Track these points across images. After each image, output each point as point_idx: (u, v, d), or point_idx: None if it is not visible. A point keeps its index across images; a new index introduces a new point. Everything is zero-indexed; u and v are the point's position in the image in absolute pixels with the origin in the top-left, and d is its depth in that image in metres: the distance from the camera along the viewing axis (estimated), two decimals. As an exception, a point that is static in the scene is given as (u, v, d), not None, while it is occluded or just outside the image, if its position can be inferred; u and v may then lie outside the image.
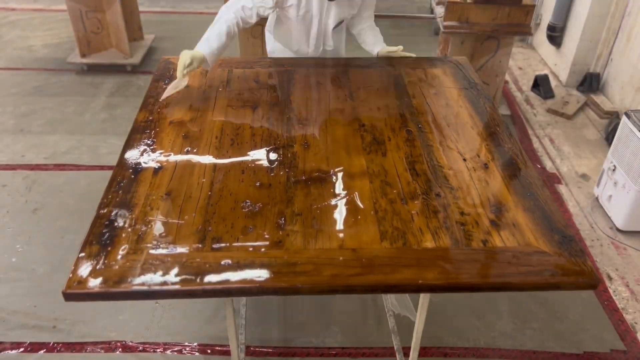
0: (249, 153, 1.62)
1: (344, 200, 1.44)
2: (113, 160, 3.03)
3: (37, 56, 4.24)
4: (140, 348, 2.06)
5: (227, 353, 2.05)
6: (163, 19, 4.99)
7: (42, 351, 2.03)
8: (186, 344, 2.08)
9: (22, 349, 2.04)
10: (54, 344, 2.07)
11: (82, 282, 1.19)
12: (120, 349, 2.05)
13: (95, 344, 2.07)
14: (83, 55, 4.00)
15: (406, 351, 2.04)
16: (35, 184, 2.88)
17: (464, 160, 1.62)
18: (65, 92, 3.77)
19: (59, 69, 4.07)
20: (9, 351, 2.04)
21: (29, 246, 2.50)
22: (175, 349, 2.06)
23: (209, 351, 2.05)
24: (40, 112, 3.52)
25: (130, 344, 2.07)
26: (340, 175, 1.54)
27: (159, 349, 2.06)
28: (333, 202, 1.44)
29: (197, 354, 2.05)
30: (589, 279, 1.25)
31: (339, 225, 1.36)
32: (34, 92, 3.75)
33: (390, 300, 2.09)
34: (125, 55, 4.03)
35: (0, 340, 2.07)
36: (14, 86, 3.83)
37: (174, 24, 4.90)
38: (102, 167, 3.03)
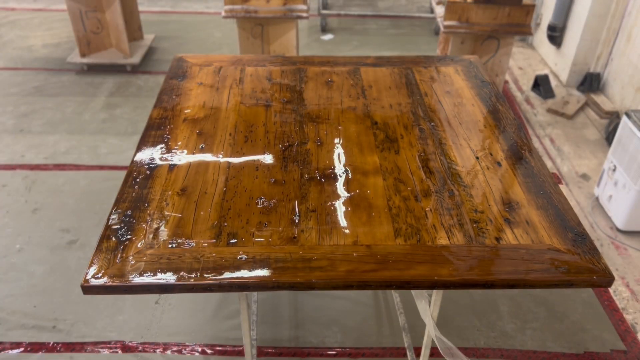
0: (262, 150, 1.64)
1: (358, 198, 1.46)
2: (113, 160, 3.07)
3: (36, 56, 4.25)
4: (140, 348, 2.06)
5: (227, 353, 2.05)
6: (163, 19, 4.99)
7: (42, 351, 2.03)
8: (186, 344, 2.08)
9: (21, 349, 2.04)
10: (53, 344, 2.07)
11: (100, 275, 1.22)
12: (120, 349, 2.05)
13: (95, 344, 2.07)
14: (83, 55, 4.00)
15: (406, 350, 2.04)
16: (35, 184, 2.88)
17: (477, 158, 1.63)
18: (65, 92, 3.77)
19: (58, 68, 4.07)
20: (9, 351, 2.04)
21: (29, 246, 2.50)
22: (175, 349, 2.06)
23: (209, 351, 2.06)
24: (40, 112, 3.52)
25: (130, 344, 2.07)
26: (353, 172, 1.55)
27: (159, 349, 2.06)
28: (347, 199, 1.45)
29: (197, 354, 2.05)
30: (602, 277, 1.26)
31: (353, 222, 1.38)
32: (33, 92, 3.75)
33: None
34: (125, 55, 4.03)
35: (0, 340, 2.07)
36: (14, 86, 3.83)
37: (174, 23, 4.90)
38: (102, 167, 3.03)
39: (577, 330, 2.17)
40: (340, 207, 1.43)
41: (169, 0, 5.40)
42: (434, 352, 2.06)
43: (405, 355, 2.04)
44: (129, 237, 1.32)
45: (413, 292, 1.60)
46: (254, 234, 1.34)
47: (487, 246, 1.32)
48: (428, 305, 1.55)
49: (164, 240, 1.31)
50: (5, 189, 2.85)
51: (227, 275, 1.23)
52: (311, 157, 1.61)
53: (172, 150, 1.63)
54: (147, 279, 1.22)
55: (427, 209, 1.43)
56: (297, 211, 1.41)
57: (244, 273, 1.23)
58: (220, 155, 1.62)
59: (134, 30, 4.26)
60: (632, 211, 2.55)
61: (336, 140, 1.70)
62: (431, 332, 1.55)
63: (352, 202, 1.44)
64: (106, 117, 3.49)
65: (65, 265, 2.40)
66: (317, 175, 1.54)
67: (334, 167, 1.57)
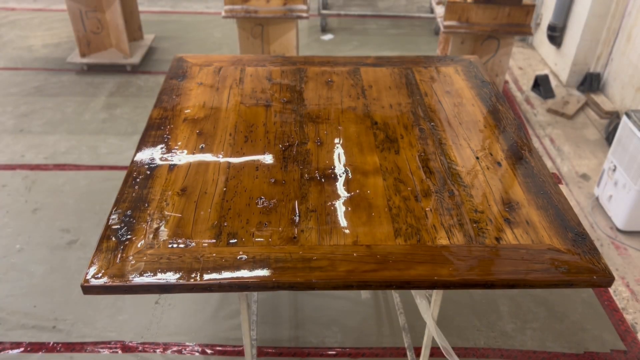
0: (262, 150, 1.64)
1: (358, 198, 1.46)
2: (113, 160, 3.07)
3: (37, 56, 4.25)
4: (140, 348, 2.06)
5: (227, 353, 2.05)
6: (163, 19, 4.99)
7: (42, 351, 2.03)
8: (186, 344, 2.08)
9: (21, 349, 2.04)
10: (53, 344, 2.07)
11: (100, 275, 1.22)
12: (120, 349, 2.05)
13: (95, 344, 2.07)
14: (83, 55, 4.00)
15: (406, 350, 2.04)
16: (35, 184, 2.88)
17: (477, 158, 1.63)
18: (65, 92, 3.77)
19: (58, 68, 4.07)
20: (9, 351, 2.04)
21: (29, 246, 2.50)
22: (175, 349, 2.06)
23: (209, 351, 2.06)
24: (40, 112, 3.52)
25: (130, 344, 2.07)
26: (353, 172, 1.55)
27: (158, 349, 2.06)
28: (347, 199, 1.45)
29: (197, 354, 2.05)
30: (602, 277, 1.26)
31: (353, 222, 1.38)
32: (33, 92, 3.75)
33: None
34: (125, 55, 4.03)
35: (0, 340, 2.07)
36: (14, 86, 3.83)
37: (174, 23, 4.90)
38: (102, 167, 3.03)
39: (577, 330, 2.17)
40: (340, 207, 1.43)
41: (169, 0, 5.40)
42: (434, 352, 2.06)
43: (405, 355, 2.04)
44: (129, 237, 1.32)
45: (413, 292, 1.61)
46: (254, 234, 1.34)
47: (487, 246, 1.32)
48: (429, 305, 1.55)
49: (164, 240, 1.31)
50: (5, 189, 2.85)
51: (227, 275, 1.23)
52: (311, 157, 1.61)
53: (172, 150, 1.63)
54: (147, 279, 1.22)
55: (427, 209, 1.43)
56: (297, 211, 1.41)
57: (244, 273, 1.23)
58: (220, 155, 1.62)
59: (134, 30, 4.26)
60: (632, 211, 2.55)
61: (336, 140, 1.70)
62: (432, 332, 1.55)
63: (352, 202, 1.44)
64: (106, 117, 3.49)
65: (65, 265, 2.40)
66: (317, 175, 1.54)
67: (334, 167, 1.57)
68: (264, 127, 1.76)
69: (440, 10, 3.45)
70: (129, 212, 1.39)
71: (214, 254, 1.28)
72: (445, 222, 1.39)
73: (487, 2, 3.09)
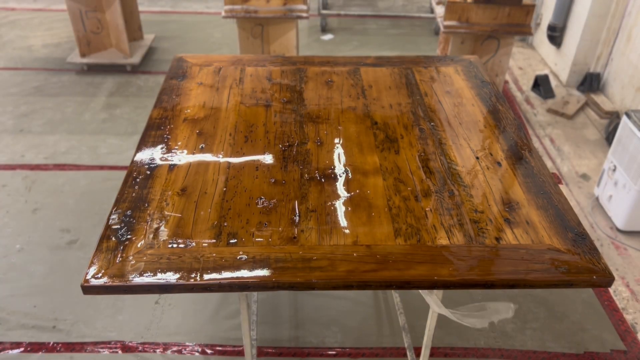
0: (262, 150, 1.64)
1: (358, 198, 1.46)
2: (113, 160, 3.07)
3: (37, 56, 4.25)
4: (140, 348, 2.06)
5: (227, 353, 2.05)
6: (163, 19, 4.99)
7: (42, 351, 2.03)
8: (186, 344, 2.08)
9: (21, 349, 2.04)
10: (53, 344, 2.07)
11: (100, 275, 1.22)
12: (120, 349, 2.05)
13: (95, 344, 2.07)
14: (83, 55, 4.00)
15: (406, 350, 2.04)
16: (35, 184, 2.88)
17: (477, 158, 1.63)
18: (65, 92, 3.77)
19: (58, 68, 4.07)
20: (9, 351, 2.04)
21: (29, 246, 2.50)
22: (175, 349, 2.06)
23: (209, 351, 2.06)
24: (40, 112, 3.52)
25: (130, 344, 2.07)
26: (353, 172, 1.56)
27: (158, 349, 2.06)
28: (347, 199, 1.45)
29: (197, 354, 2.05)
30: (602, 277, 1.26)
31: (353, 222, 1.38)
32: (33, 92, 3.75)
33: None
34: (125, 55, 4.03)
35: (0, 340, 2.08)
36: (14, 86, 3.83)
37: (174, 23, 4.90)
38: (102, 167, 3.03)
39: (577, 330, 2.17)
40: (340, 207, 1.43)
41: (169, 0, 5.40)
42: (434, 352, 2.06)
43: (405, 355, 2.04)
44: (129, 237, 1.32)
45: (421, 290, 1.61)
46: (254, 234, 1.34)
47: (487, 246, 1.32)
48: (438, 297, 1.54)
49: (164, 240, 1.31)
50: (5, 189, 2.85)
51: (227, 275, 1.23)
52: (311, 157, 1.61)
53: (172, 150, 1.63)
54: (147, 279, 1.22)
55: (427, 209, 1.43)
56: (297, 211, 1.41)
57: (244, 273, 1.24)
58: (220, 155, 1.62)
59: (134, 30, 4.27)
60: (632, 211, 2.55)
61: (336, 140, 1.70)
62: (450, 316, 1.55)
63: (352, 202, 1.44)
64: (106, 117, 3.49)
65: (65, 265, 2.40)
66: (317, 175, 1.54)
67: (334, 167, 1.57)
68: (264, 127, 1.76)
69: (440, 10, 3.46)
70: (129, 212, 1.40)
71: (214, 254, 1.28)
72: (445, 222, 1.39)
73: (487, 2, 3.09)
